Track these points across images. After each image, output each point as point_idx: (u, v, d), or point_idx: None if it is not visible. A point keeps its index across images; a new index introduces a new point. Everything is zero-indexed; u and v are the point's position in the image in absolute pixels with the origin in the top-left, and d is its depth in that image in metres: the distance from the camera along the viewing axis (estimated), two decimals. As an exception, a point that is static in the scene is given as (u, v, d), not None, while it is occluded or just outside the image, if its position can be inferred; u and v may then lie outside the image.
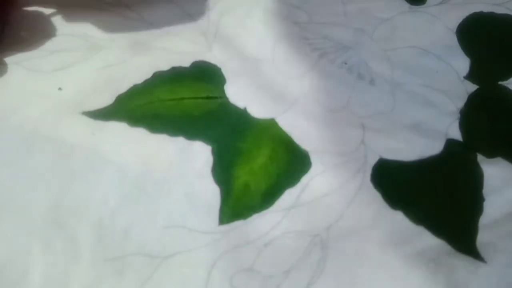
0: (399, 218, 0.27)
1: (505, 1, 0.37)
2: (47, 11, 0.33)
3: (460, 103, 0.32)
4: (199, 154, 0.29)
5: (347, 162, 0.29)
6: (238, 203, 0.27)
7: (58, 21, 0.32)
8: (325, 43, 0.34)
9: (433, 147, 0.30)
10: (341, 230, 0.27)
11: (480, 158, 0.30)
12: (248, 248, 0.26)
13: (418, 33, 0.36)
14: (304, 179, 0.28)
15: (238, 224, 0.27)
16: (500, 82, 0.33)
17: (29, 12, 0.33)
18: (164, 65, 0.32)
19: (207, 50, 0.32)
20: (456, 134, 0.31)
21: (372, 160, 0.29)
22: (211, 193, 0.28)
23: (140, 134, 0.29)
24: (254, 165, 0.29)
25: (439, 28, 0.36)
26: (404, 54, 0.34)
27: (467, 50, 0.35)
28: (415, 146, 0.30)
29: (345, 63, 0.34)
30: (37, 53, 0.32)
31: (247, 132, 0.30)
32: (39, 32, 0.32)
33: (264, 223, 0.27)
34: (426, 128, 0.31)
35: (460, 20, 0.37)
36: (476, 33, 0.36)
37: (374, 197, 0.28)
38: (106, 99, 0.30)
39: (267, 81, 0.32)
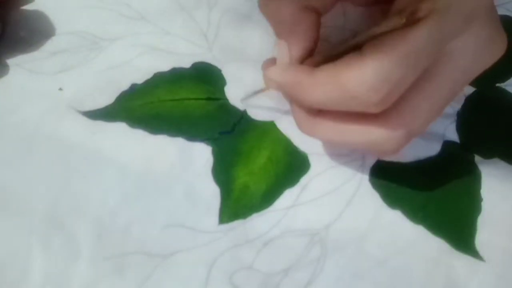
0: (397, 218, 0.27)
1: (504, 2, 0.36)
2: (46, 10, 0.33)
3: (457, 105, 0.32)
4: (199, 155, 0.29)
5: (346, 163, 0.29)
6: (238, 203, 0.28)
7: (58, 21, 0.33)
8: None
9: (430, 149, 0.30)
10: (340, 229, 0.27)
11: (477, 159, 0.30)
12: (247, 247, 0.26)
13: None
14: (303, 180, 0.28)
15: (237, 223, 0.27)
16: (497, 84, 0.33)
17: (29, 12, 0.33)
18: (165, 66, 0.32)
19: (208, 51, 0.32)
20: (453, 136, 0.31)
21: (370, 161, 0.29)
22: (211, 193, 0.28)
23: (140, 135, 0.29)
24: (253, 166, 0.29)
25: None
26: (402, 57, 0.35)
27: (465, 52, 0.35)
28: (412, 148, 0.30)
29: (344, 67, 0.34)
30: (38, 54, 0.32)
31: (247, 133, 0.30)
32: (39, 32, 0.32)
33: (264, 222, 0.27)
34: (423, 130, 0.31)
35: (458, 22, 0.37)
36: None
37: (373, 197, 0.28)
38: (106, 99, 0.30)
39: (267, 84, 0.32)
